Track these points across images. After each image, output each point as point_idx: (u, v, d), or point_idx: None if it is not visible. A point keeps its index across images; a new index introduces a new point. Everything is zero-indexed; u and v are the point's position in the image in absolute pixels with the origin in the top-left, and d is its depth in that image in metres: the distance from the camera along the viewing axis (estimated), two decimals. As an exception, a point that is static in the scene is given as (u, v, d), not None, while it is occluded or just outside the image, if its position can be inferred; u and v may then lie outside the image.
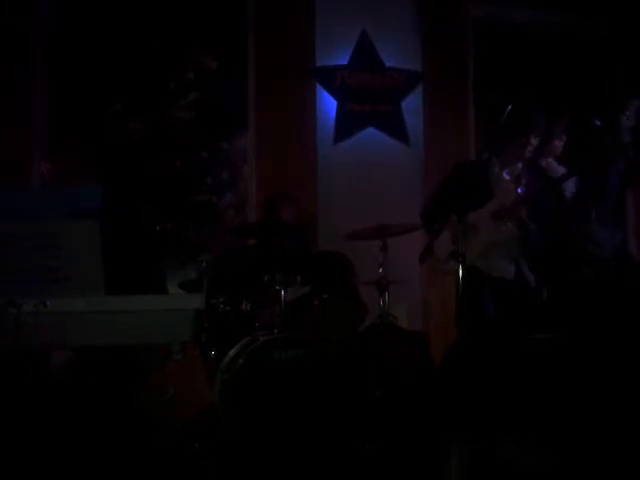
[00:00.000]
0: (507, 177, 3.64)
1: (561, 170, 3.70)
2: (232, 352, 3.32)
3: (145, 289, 2.82)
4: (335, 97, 4.99)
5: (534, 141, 3.59)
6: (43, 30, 4.52)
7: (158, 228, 3.84)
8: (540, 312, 3.55)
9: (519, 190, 3.60)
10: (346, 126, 4.97)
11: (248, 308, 3.65)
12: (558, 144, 3.77)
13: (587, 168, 3.67)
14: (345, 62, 5.01)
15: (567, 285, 3.64)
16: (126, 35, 4.67)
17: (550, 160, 3.75)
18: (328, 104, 4.97)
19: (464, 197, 3.47)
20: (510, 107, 3.49)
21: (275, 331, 3.44)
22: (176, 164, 4.79)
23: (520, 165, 3.64)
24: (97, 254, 2.29)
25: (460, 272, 3.05)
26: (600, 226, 3.68)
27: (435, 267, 3.63)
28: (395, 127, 5.08)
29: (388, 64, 5.10)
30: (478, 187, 3.56)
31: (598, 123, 3.74)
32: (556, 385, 3.10)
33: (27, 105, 4.39)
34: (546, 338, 3.28)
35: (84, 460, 2.50)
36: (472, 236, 3.42)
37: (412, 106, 5.14)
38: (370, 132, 5.03)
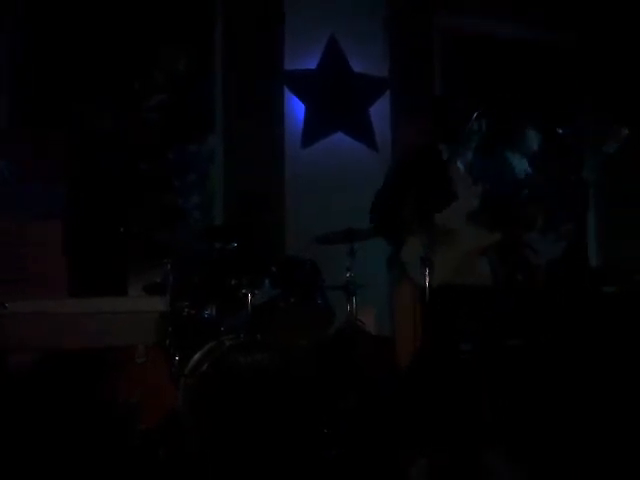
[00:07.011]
0: (461, 167, 3.23)
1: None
2: (197, 356, 3.26)
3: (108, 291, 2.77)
4: (303, 101, 4.97)
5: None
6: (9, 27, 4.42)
7: (122, 229, 3.77)
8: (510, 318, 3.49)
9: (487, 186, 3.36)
10: (314, 130, 4.96)
11: (213, 312, 3.60)
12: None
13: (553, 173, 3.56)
14: (314, 67, 5.01)
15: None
16: (93, 33, 4.58)
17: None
18: (296, 108, 4.96)
19: (422, 190, 3.18)
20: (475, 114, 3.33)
21: (241, 335, 3.39)
22: (142, 165, 4.72)
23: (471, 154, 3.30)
24: (60, 254, 2.24)
25: (427, 281, 2.97)
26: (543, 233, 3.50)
27: (406, 274, 3.50)
28: (363, 132, 5.09)
29: (356, 70, 5.10)
30: (437, 179, 3.24)
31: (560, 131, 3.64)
32: (526, 391, 3.12)
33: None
34: (516, 344, 3.28)
35: (45, 462, 2.43)
36: (448, 244, 3.21)
37: (380, 112, 5.15)
38: (338, 137, 5.02)
